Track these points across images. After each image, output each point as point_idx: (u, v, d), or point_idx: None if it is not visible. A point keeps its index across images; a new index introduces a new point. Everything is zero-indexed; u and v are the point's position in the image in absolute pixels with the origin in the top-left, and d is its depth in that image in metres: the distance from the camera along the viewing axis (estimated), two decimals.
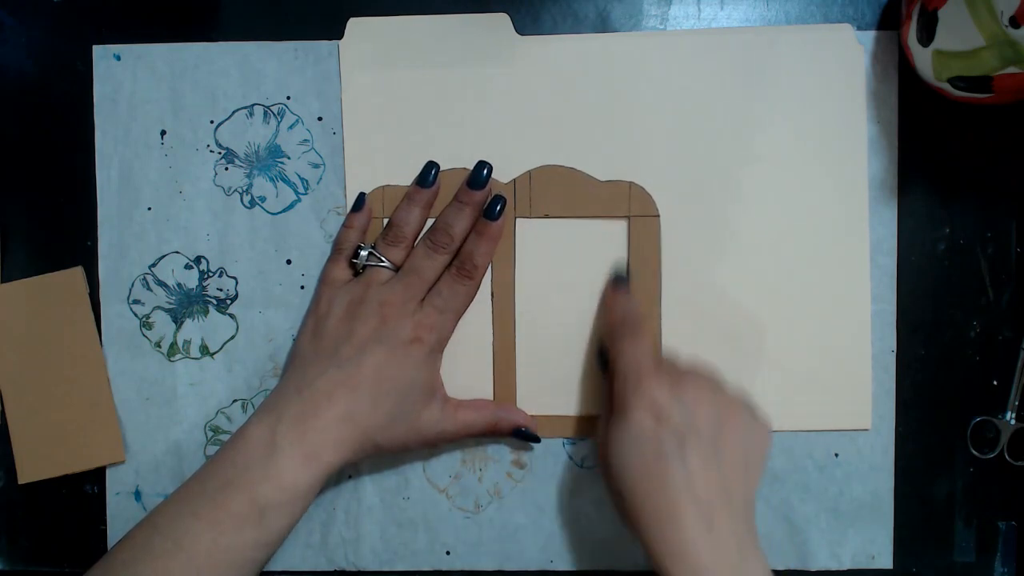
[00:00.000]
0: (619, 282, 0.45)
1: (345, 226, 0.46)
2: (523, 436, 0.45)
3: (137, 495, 0.47)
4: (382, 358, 0.42)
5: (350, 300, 0.44)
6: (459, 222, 0.45)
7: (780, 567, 0.46)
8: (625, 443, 0.38)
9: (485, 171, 0.45)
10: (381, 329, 0.42)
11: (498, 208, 0.45)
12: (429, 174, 0.45)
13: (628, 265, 0.46)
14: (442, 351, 0.45)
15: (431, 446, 0.45)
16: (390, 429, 0.42)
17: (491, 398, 0.46)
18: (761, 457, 0.40)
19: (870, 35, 0.46)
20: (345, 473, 0.47)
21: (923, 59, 0.42)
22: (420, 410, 0.43)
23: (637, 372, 0.39)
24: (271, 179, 0.47)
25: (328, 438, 0.41)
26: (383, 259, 0.44)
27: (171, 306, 0.47)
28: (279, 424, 0.40)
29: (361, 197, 0.46)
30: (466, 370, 0.46)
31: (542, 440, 0.46)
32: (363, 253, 0.45)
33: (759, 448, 0.40)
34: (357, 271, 0.45)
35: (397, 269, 0.45)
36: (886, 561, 0.46)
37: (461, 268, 0.44)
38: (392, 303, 0.43)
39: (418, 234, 0.46)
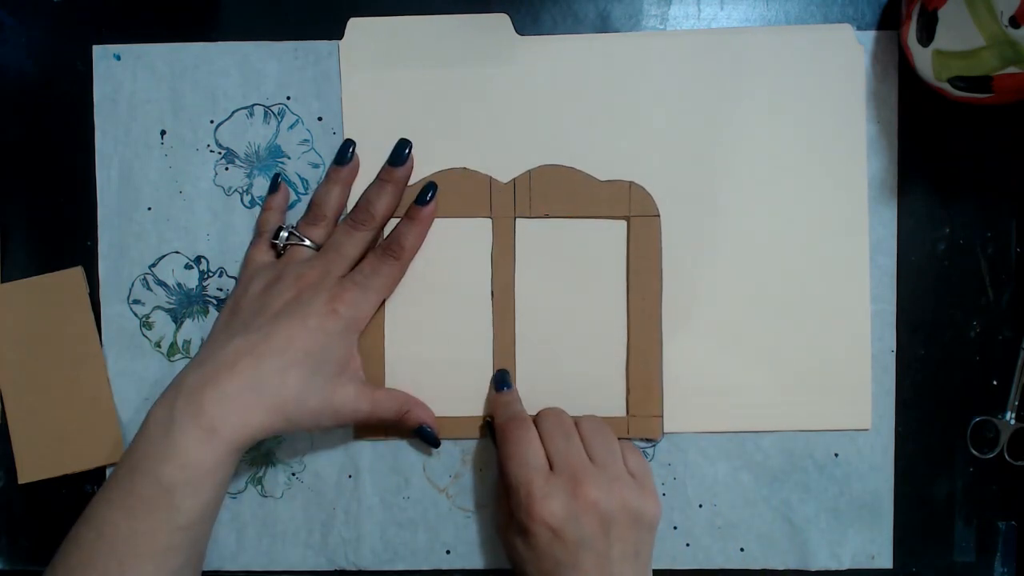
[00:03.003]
0: (501, 384, 0.45)
1: (264, 208, 0.46)
2: (423, 436, 0.45)
3: None
4: (294, 328, 0.41)
5: (269, 278, 0.44)
6: (380, 199, 0.45)
7: (780, 567, 0.46)
8: (524, 553, 0.41)
9: (406, 150, 0.45)
10: (295, 301, 0.42)
11: (429, 195, 0.45)
12: (346, 152, 0.45)
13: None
14: (359, 330, 0.44)
15: (344, 425, 0.45)
16: (302, 403, 0.41)
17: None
18: (650, 536, 0.42)
19: (870, 35, 0.46)
20: (345, 473, 0.47)
21: (923, 59, 0.42)
22: (335, 386, 0.42)
23: (528, 491, 0.40)
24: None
25: (227, 409, 0.39)
26: (303, 238, 0.44)
27: (171, 306, 0.47)
28: (177, 399, 0.39)
29: (276, 178, 0.46)
30: (466, 370, 0.46)
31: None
32: (283, 234, 0.45)
33: (648, 529, 0.42)
34: (279, 252, 0.45)
35: (319, 248, 0.45)
36: (886, 561, 0.46)
37: (388, 248, 0.44)
38: (309, 277, 0.43)
39: (339, 213, 0.46)
